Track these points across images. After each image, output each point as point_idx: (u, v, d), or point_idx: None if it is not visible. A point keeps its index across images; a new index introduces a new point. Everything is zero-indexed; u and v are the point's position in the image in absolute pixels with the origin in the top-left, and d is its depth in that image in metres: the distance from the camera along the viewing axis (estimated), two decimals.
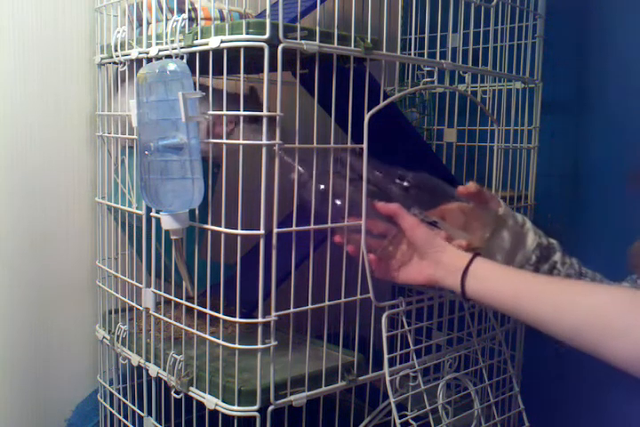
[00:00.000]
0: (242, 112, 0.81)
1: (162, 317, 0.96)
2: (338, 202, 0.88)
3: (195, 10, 0.93)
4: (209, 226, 0.86)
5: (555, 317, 0.76)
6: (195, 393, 0.90)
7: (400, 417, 0.95)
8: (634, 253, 0.90)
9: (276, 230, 0.81)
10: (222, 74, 0.82)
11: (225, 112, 0.83)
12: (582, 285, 0.83)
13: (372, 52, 0.88)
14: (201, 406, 0.90)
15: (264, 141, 0.79)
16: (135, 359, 1.02)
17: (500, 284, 0.82)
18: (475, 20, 1.15)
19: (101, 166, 1.12)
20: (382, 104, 0.90)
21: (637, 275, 0.90)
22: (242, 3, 0.99)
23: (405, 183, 0.92)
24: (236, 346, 0.85)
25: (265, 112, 0.79)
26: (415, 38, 1.41)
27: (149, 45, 0.93)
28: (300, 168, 0.85)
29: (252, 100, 0.92)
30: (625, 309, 0.71)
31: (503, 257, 0.95)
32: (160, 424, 1.00)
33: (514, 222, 0.96)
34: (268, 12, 0.79)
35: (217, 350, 0.87)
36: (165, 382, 0.95)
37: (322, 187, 0.87)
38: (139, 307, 1.00)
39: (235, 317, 0.85)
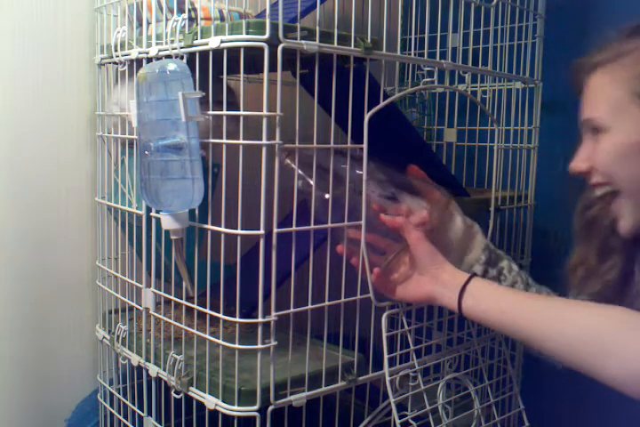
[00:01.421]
0: (242, 112, 0.81)
1: (162, 317, 0.96)
2: (342, 208, 0.89)
3: (195, 10, 0.93)
4: (209, 226, 0.86)
5: (548, 336, 0.78)
6: (195, 393, 0.90)
7: (400, 417, 0.95)
8: (570, 268, 0.91)
9: (275, 230, 0.81)
10: (222, 74, 0.82)
11: (225, 112, 0.83)
12: (577, 304, 0.84)
13: (372, 52, 0.88)
14: (201, 406, 0.90)
15: (264, 141, 0.79)
16: (135, 359, 1.02)
17: (496, 303, 0.84)
18: (475, 20, 1.15)
19: (101, 166, 1.12)
20: (382, 104, 0.90)
21: (576, 291, 0.91)
22: (242, 3, 0.99)
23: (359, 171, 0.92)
24: (236, 346, 0.85)
25: (265, 112, 0.79)
26: (415, 38, 1.41)
27: (149, 45, 0.93)
28: (308, 179, 0.86)
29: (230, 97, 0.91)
30: (616, 328, 0.73)
31: (455, 254, 0.97)
32: (160, 424, 1.00)
33: (464, 221, 0.98)
34: (267, 12, 0.79)
35: (217, 350, 0.87)
36: (165, 382, 0.95)
37: (326, 196, 0.87)
38: (139, 307, 1.00)
39: (235, 317, 0.85)
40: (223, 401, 0.86)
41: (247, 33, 0.78)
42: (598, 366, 0.72)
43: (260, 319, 0.83)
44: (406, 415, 0.97)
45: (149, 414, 1.01)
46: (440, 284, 0.89)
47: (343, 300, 0.92)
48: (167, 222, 0.85)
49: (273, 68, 0.78)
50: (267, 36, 0.78)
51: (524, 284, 0.99)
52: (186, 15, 0.88)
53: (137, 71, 0.87)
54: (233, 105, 0.87)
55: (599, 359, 0.72)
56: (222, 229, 0.84)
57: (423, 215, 0.93)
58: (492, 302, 0.85)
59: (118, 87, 1.03)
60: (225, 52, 0.80)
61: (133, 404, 1.06)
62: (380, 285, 0.92)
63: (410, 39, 1.43)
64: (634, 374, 0.70)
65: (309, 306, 0.88)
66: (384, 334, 0.94)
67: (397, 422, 0.94)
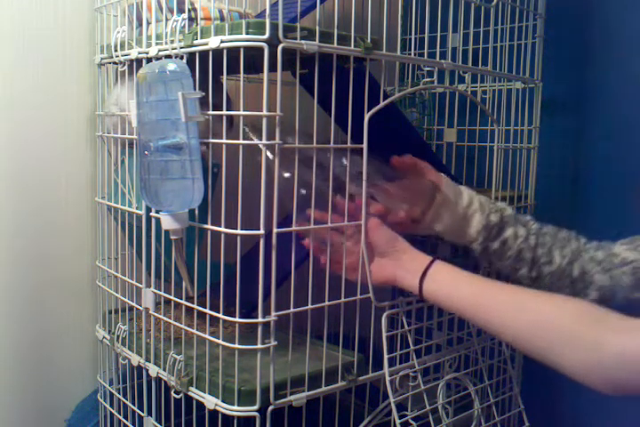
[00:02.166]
0: (242, 112, 0.81)
1: (162, 317, 0.96)
2: (303, 191, 0.88)
3: (195, 10, 0.93)
4: (209, 226, 0.86)
5: (506, 322, 0.79)
6: (195, 393, 0.90)
7: (400, 417, 0.95)
8: None
9: (275, 230, 0.81)
10: (222, 74, 0.82)
11: (225, 112, 0.83)
12: (537, 294, 0.85)
13: (372, 52, 0.88)
14: (201, 406, 0.90)
15: (264, 141, 0.79)
16: (135, 359, 1.02)
17: (457, 288, 0.86)
18: (475, 20, 1.15)
19: (101, 166, 1.12)
20: (382, 104, 0.90)
21: None
22: (242, 3, 0.99)
23: (345, 161, 0.91)
24: (236, 346, 0.85)
25: (265, 112, 0.79)
26: (415, 38, 1.41)
27: (149, 45, 0.93)
28: (268, 153, 0.84)
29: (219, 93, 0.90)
30: (575, 320, 0.74)
31: (450, 238, 0.97)
32: (160, 424, 1.00)
33: (458, 202, 0.97)
34: (267, 11, 0.79)
35: (217, 350, 0.87)
36: (165, 382, 0.95)
37: (286, 175, 0.86)
38: (139, 307, 1.00)
39: (235, 317, 0.85)
40: (223, 401, 0.86)
41: (247, 33, 0.78)
42: (556, 355, 0.74)
43: (259, 319, 0.83)
44: (406, 415, 0.97)
45: (149, 414, 1.01)
46: (401, 267, 0.89)
47: (343, 300, 0.92)
48: (167, 222, 0.85)
49: (273, 68, 0.78)
50: (267, 36, 0.78)
51: (531, 250, 0.98)
52: (186, 15, 0.88)
53: (137, 71, 0.87)
54: (219, 107, 0.87)
55: (557, 349, 0.73)
56: (222, 229, 0.84)
57: (400, 215, 0.93)
58: (454, 287, 0.86)
59: (118, 87, 1.03)
60: (225, 52, 0.80)
61: (133, 404, 1.06)
62: (335, 268, 0.92)
63: (410, 39, 1.43)
64: (589, 365, 0.71)
65: (309, 306, 0.88)
66: (384, 334, 0.94)
67: (397, 422, 0.94)
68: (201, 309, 0.88)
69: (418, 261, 0.89)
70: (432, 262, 0.88)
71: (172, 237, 0.87)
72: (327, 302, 0.90)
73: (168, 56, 0.88)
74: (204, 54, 0.83)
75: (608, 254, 0.96)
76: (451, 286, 0.86)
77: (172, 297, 0.94)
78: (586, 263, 0.97)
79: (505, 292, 0.83)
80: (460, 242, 0.98)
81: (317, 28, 0.82)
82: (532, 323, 0.76)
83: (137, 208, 0.98)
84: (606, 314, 0.75)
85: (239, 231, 0.82)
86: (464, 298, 0.84)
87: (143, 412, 1.02)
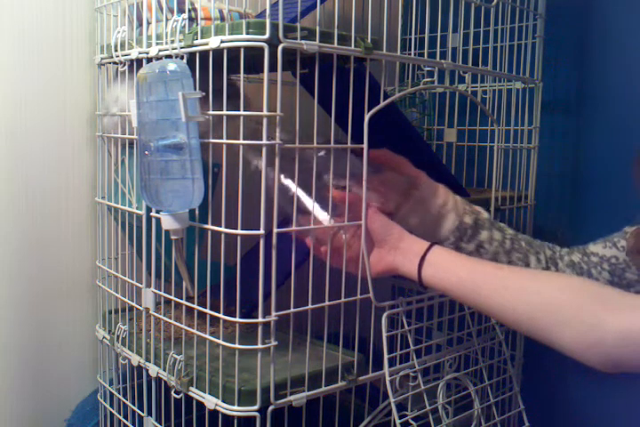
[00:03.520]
0: (242, 112, 0.81)
1: (162, 317, 0.96)
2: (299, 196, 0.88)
3: (195, 10, 0.93)
4: (209, 226, 0.86)
5: (509, 305, 0.78)
6: (195, 393, 0.90)
7: (400, 417, 0.95)
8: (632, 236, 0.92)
9: (276, 230, 0.81)
10: (222, 74, 0.82)
11: (225, 112, 0.83)
12: (534, 272, 0.85)
13: (372, 52, 0.88)
14: (201, 406, 0.90)
15: (264, 141, 0.79)
16: (135, 359, 1.02)
17: (456, 272, 0.84)
18: (475, 20, 1.15)
19: (101, 166, 1.12)
20: (382, 104, 0.90)
21: (632, 260, 0.91)
22: (242, 3, 0.99)
23: (322, 153, 0.91)
24: (236, 346, 0.85)
25: (265, 112, 0.79)
26: (415, 38, 1.41)
27: (149, 45, 0.93)
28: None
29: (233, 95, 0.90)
30: (574, 298, 0.74)
31: (421, 235, 0.95)
32: (160, 424, 1.00)
33: (433, 201, 0.96)
34: (267, 11, 0.79)
35: (217, 350, 0.87)
36: (165, 382, 0.95)
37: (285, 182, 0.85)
38: (139, 307, 1.00)
39: (235, 317, 0.85)
40: (223, 401, 0.86)
41: (247, 33, 0.78)
42: (556, 335, 0.73)
43: (260, 319, 0.83)
44: (406, 415, 0.97)
45: (149, 414, 1.01)
46: (399, 253, 0.88)
47: (343, 300, 0.92)
48: (167, 222, 0.85)
49: (273, 68, 0.78)
50: (267, 36, 0.78)
51: (507, 254, 0.97)
52: (186, 15, 0.88)
53: (137, 71, 0.87)
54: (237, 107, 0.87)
55: (557, 328, 0.73)
56: (222, 229, 0.84)
57: (371, 206, 0.92)
58: (452, 270, 0.84)
59: (118, 86, 1.03)
60: (225, 52, 0.80)
61: (133, 404, 1.06)
62: (336, 262, 0.91)
63: (410, 39, 1.43)
64: (589, 343, 0.70)
65: (309, 306, 0.88)
66: (384, 334, 0.94)
67: (397, 422, 0.94)
68: (201, 309, 0.88)
69: (415, 247, 0.87)
70: (430, 247, 0.87)
71: (173, 237, 0.87)
72: (327, 302, 0.90)
73: (168, 56, 0.88)
74: (204, 54, 0.83)
75: (584, 254, 0.96)
76: (449, 270, 0.85)
77: (172, 297, 0.94)
78: (563, 269, 0.97)
79: (506, 274, 0.82)
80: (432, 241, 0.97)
81: (317, 28, 0.82)
82: (533, 304, 0.76)
83: (137, 208, 0.98)
84: (607, 291, 0.75)
85: (239, 231, 0.82)
86: (464, 281, 0.83)
87: (143, 412, 1.02)
